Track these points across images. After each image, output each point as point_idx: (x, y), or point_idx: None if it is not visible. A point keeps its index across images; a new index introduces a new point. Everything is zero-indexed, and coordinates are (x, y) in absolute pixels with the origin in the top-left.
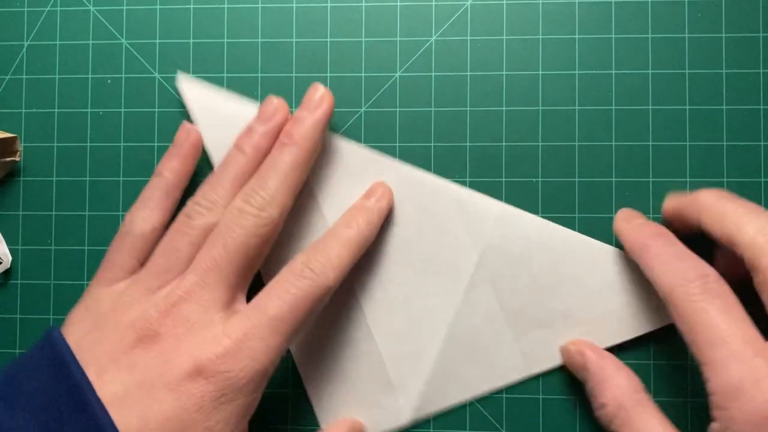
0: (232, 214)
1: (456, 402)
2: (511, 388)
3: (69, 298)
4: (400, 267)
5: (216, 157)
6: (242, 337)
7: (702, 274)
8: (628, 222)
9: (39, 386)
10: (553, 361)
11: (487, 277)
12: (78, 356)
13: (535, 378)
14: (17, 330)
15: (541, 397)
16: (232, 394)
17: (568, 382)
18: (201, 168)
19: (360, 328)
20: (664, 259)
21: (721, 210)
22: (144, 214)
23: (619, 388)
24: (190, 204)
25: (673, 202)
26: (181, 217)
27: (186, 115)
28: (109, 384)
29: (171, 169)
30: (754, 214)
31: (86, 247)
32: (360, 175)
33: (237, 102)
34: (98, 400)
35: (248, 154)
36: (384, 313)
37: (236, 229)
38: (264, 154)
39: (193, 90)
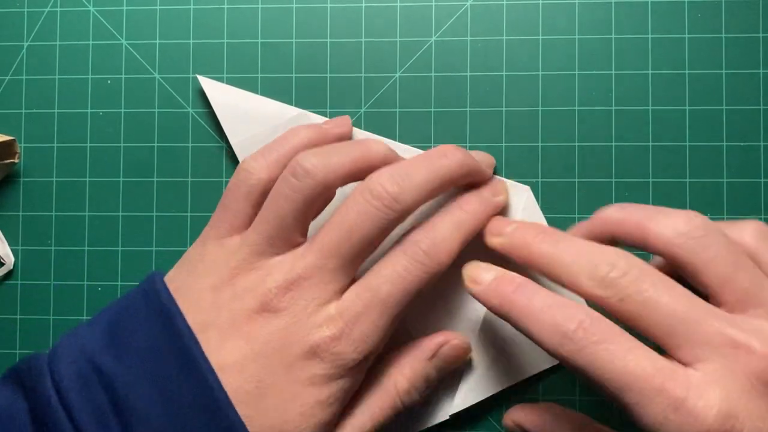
0: (366, 202)
1: (491, 393)
2: (511, 388)
3: (69, 298)
4: None
5: (240, 155)
6: (354, 319)
7: (579, 322)
8: (478, 283)
9: (146, 340)
10: None
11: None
12: (190, 313)
13: (535, 378)
14: (17, 330)
15: (540, 397)
16: (343, 372)
17: (568, 382)
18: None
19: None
20: (534, 316)
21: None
22: (261, 163)
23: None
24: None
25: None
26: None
27: (187, 116)
28: (228, 351)
29: (307, 135)
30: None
31: (86, 248)
32: None
33: (258, 101)
34: (208, 362)
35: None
36: (418, 306)
37: (366, 220)
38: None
39: (215, 91)
